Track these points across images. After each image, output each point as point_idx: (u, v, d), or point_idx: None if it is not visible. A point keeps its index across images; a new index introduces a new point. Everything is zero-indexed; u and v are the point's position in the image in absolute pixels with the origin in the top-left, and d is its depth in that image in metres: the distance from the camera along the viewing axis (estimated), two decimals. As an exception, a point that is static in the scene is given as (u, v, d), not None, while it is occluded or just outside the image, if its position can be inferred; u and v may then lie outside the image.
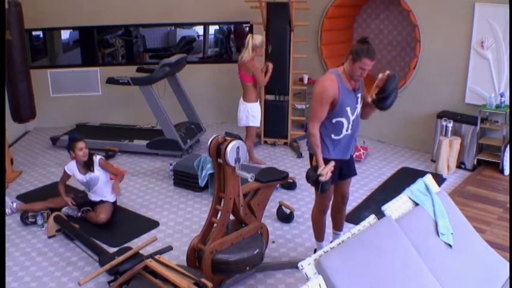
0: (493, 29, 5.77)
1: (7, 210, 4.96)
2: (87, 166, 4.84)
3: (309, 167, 3.77)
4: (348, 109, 3.54)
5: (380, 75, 3.52)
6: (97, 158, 4.88)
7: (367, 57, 3.33)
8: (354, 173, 3.91)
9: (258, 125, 6.21)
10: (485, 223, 4.73)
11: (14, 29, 5.48)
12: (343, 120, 3.56)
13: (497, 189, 5.50)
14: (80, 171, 4.87)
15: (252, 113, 6.03)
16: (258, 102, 6.12)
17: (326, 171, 3.50)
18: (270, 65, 6.08)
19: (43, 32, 7.71)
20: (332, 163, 3.56)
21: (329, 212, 4.09)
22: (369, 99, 3.61)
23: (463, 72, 6.12)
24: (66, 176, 4.94)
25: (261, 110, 6.27)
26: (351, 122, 3.59)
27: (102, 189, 4.92)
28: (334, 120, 3.55)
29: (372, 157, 6.53)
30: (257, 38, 5.83)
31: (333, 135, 3.60)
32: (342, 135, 3.61)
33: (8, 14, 5.37)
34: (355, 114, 3.60)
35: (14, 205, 5.00)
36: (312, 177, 3.58)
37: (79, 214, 4.90)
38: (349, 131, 3.62)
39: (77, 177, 4.91)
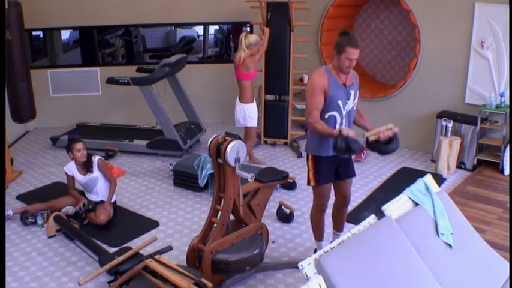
0: (493, 29, 5.77)
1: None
2: (86, 167, 4.84)
3: (308, 167, 3.78)
4: (340, 102, 3.59)
5: (385, 128, 3.39)
6: (96, 159, 4.88)
7: (350, 46, 3.44)
8: (353, 174, 3.92)
9: (256, 125, 6.18)
10: (485, 223, 4.73)
11: (14, 29, 5.47)
12: (335, 114, 3.61)
13: (497, 189, 5.50)
14: (79, 172, 4.87)
15: (248, 114, 6.02)
16: (254, 102, 6.11)
17: (346, 131, 3.33)
18: (267, 30, 6.20)
19: (43, 32, 7.70)
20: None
21: (330, 212, 4.10)
22: (364, 135, 3.47)
23: (463, 72, 6.12)
24: (70, 179, 4.92)
25: (258, 110, 6.23)
26: (343, 117, 3.63)
27: (103, 189, 4.92)
28: (326, 115, 3.60)
29: (371, 157, 6.52)
30: (251, 37, 5.85)
31: None
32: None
33: (8, 14, 5.37)
34: (346, 110, 3.64)
35: (11, 212, 4.89)
36: (341, 143, 3.30)
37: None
38: (343, 126, 3.64)
39: (76, 179, 4.91)
